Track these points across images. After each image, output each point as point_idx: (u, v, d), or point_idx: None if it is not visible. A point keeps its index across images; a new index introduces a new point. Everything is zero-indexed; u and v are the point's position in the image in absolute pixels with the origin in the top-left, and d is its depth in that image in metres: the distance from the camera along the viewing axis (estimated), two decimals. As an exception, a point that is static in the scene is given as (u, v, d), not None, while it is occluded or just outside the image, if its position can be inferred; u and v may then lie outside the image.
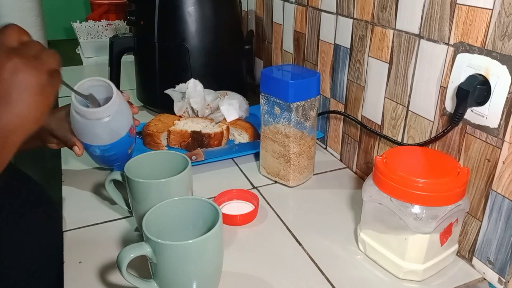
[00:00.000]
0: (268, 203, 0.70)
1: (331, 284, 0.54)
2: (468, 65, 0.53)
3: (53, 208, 0.68)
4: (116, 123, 0.63)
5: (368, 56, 0.71)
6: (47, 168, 1.17)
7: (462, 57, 0.54)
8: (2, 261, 0.55)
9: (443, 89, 0.58)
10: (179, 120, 0.89)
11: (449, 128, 0.56)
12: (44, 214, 0.66)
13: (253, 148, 0.83)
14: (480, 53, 0.51)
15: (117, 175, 0.60)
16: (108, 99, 0.62)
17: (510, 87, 0.49)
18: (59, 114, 0.67)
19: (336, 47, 0.80)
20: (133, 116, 0.68)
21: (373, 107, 0.72)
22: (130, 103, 0.69)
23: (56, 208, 0.68)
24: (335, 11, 0.78)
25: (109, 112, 0.62)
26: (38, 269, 0.60)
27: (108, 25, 1.68)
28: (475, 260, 0.57)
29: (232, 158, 0.83)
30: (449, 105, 0.57)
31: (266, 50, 1.12)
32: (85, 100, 0.61)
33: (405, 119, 0.65)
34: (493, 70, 0.50)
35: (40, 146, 0.70)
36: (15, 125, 0.42)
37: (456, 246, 0.57)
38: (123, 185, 0.59)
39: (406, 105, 0.65)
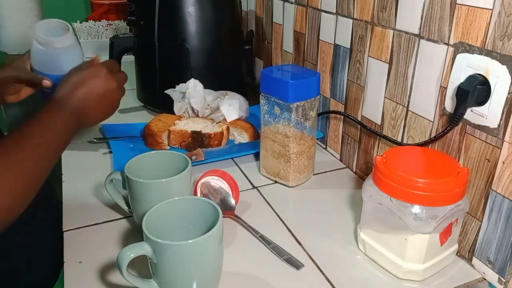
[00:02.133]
0: (268, 203, 0.70)
1: (331, 284, 0.54)
2: (468, 65, 0.53)
3: (53, 208, 0.68)
4: (78, 49, 0.75)
5: (368, 56, 0.71)
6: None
7: (462, 57, 0.54)
8: (2, 261, 0.55)
9: (443, 89, 0.58)
10: (179, 120, 0.89)
11: (449, 128, 0.56)
12: (44, 214, 0.66)
13: (253, 148, 0.83)
14: (480, 53, 0.51)
15: (117, 175, 0.60)
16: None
17: (510, 87, 0.49)
18: (20, 61, 0.75)
19: (336, 47, 0.80)
20: None
21: (373, 107, 0.72)
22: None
23: (56, 208, 0.68)
24: (335, 11, 0.78)
25: (73, 38, 0.73)
26: (39, 269, 0.60)
27: (108, 25, 1.68)
28: (475, 260, 0.57)
29: (232, 158, 0.83)
30: (449, 105, 0.57)
31: (266, 50, 1.12)
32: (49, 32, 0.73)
33: (405, 119, 0.65)
34: (493, 70, 0.50)
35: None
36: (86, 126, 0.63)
37: (456, 246, 0.57)
38: (123, 185, 0.59)
39: (406, 105, 0.65)
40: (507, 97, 0.49)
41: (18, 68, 0.75)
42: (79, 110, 0.60)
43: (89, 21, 1.74)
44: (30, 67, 0.75)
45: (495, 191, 0.52)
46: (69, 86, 0.61)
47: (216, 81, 0.97)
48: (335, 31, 0.79)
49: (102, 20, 1.76)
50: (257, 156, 0.81)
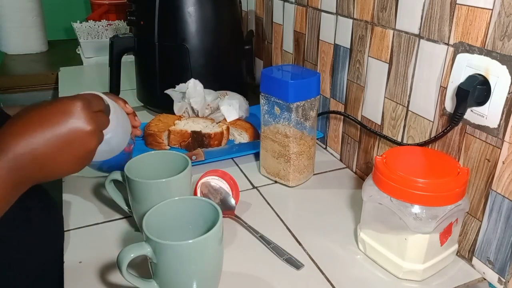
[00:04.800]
0: (268, 203, 0.70)
1: (331, 284, 0.54)
2: (468, 65, 0.53)
3: (53, 208, 0.68)
4: (111, 142, 0.57)
5: (368, 56, 0.71)
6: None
7: (462, 57, 0.54)
8: (4, 263, 0.55)
9: (443, 89, 0.58)
10: (179, 120, 0.89)
11: (449, 128, 0.56)
12: (43, 214, 0.66)
13: (253, 148, 0.83)
14: (480, 53, 0.51)
15: (117, 175, 0.60)
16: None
17: (510, 87, 0.49)
18: None
19: (336, 47, 0.80)
20: (131, 134, 0.65)
21: (373, 107, 0.72)
22: (134, 115, 0.67)
23: (56, 208, 0.68)
24: (335, 11, 0.78)
25: (119, 114, 0.57)
26: (41, 270, 0.60)
27: (108, 25, 1.68)
28: (475, 260, 0.57)
29: (232, 158, 0.83)
30: (449, 105, 0.57)
31: (266, 50, 1.12)
32: None
33: (405, 119, 0.65)
34: (493, 70, 0.50)
35: None
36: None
37: (456, 246, 0.57)
38: (123, 185, 0.59)
39: (406, 105, 0.65)
40: (507, 97, 0.49)
41: None
42: (23, 160, 0.43)
43: (89, 21, 1.74)
44: None
45: (495, 191, 0.52)
46: (19, 123, 0.44)
47: (216, 81, 0.97)
48: (335, 31, 0.79)
49: (102, 20, 1.76)
50: (257, 156, 0.81)
